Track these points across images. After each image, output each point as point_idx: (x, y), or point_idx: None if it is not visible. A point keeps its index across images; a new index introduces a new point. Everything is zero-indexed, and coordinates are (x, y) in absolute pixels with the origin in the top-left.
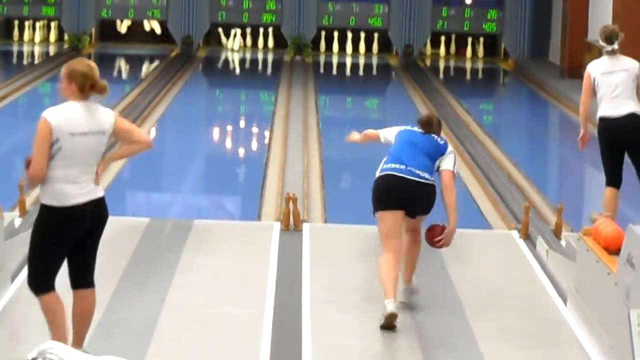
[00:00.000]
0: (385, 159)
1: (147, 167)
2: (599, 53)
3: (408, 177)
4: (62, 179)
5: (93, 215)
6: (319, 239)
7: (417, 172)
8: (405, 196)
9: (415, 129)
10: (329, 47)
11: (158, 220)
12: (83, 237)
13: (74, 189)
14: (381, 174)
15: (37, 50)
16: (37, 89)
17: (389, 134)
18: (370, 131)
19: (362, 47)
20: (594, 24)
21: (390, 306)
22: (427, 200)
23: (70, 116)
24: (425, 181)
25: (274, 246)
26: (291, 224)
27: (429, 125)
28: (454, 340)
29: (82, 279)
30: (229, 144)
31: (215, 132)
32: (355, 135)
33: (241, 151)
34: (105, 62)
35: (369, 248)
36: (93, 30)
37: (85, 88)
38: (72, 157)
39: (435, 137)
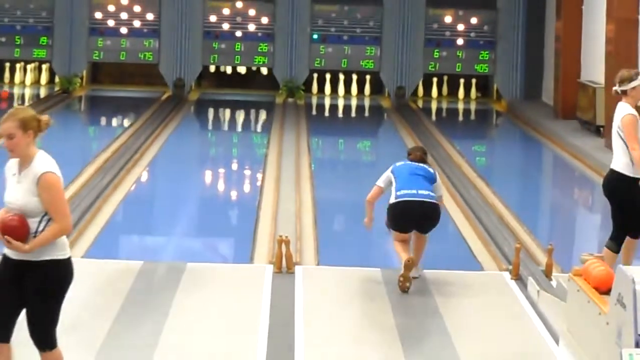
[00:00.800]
0: (393, 188)
1: (140, 210)
2: (592, 93)
3: (420, 199)
4: None
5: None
6: (312, 281)
7: (426, 194)
8: (419, 218)
9: (408, 162)
10: (321, 89)
11: (151, 263)
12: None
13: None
14: (397, 200)
15: (27, 92)
16: None
17: (385, 178)
18: (370, 197)
19: (354, 89)
20: (586, 64)
21: (405, 255)
22: (436, 219)
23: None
24: (433, 202)
25: (267, 289)
26: (284, 267)
27: (422, 157)
28: None
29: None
30: (221, 186)
31: (208, 175)
32: (368, 217)
33: (234, 193)
34: (97, 104)
35: (362, 290)
36: (84, 72)
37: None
38: None
39: (426, 166)
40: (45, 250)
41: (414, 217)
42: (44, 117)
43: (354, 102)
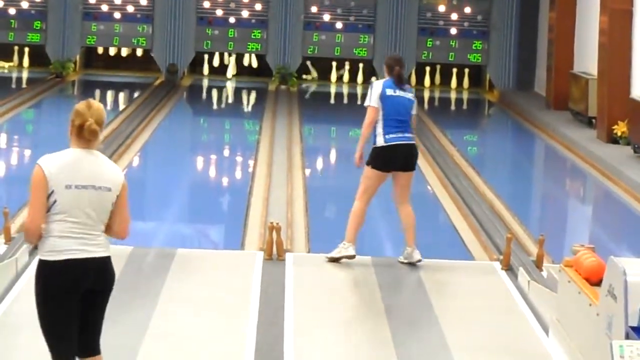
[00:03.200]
0: (380, 128)
1: (131, 195)
2: (585, 85)
3: (407, 142)
4: (57, 233)
5: (94, 275)
6: (302, 269)
7: (410, 136)
8: (405, 159)
9: (392, 91)
10: (313, 76)
11: (141, 249)
12: (85, 299)
13: (70, 244)
14: (388, 144)
15: (22, 76)
16: (20, 115)
17: (376, 99)
18: (370, 120)
19: (346, 76)
20: (579, 55)
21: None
22: (416, 157)
23: (66, 166)
24: (414, 142)
25: (257, 275)
26: (274, 254)
27: (401, 74)
28: None
29: (87, 345)
30: (212, 172)
31: (199, 161)
32: (359, 150)
33: (225, 180)
34: (90, 89)
35: (352, 278)
36: (78, 57)
37: (81, 132)
38: (69, 212)
39: (409, 94)
40: (39, 250)
41: (401, 159)
42: (90, 124)
43: (346, 90)
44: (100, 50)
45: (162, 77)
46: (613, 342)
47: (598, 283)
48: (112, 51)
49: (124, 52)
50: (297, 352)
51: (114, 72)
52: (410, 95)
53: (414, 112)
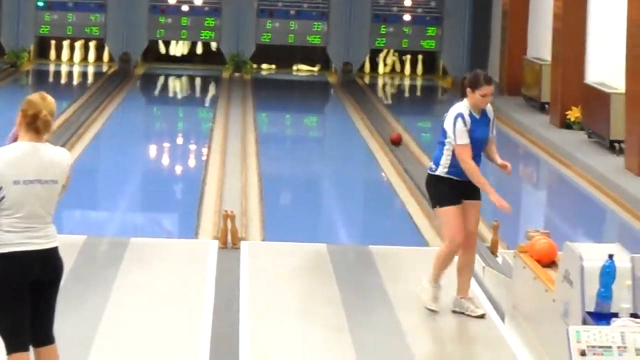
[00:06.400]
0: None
1: (84, 184)
2: (538, 70)
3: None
4: (6, 227)
5: (40, 266)
6: (257, 257)
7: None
8: None
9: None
10: (268, 64)
11: (95, 238)
12: (35, 290)
13: (13, 237)
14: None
15: None
16: None
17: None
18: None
19: (301, 64)
20: (533, 40)
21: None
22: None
23: (14, 161)
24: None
25: (212, 264)
26: (229, 242)
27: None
28: (392, 358)
29: (40, 335)
30: (166, 161)
31: (153, 149)
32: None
33: (179, 168)
34: (44, 78)
35: (307, 265)
36: (32, 47)
37: (34, 123)
38: (16, 207)
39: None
40: None
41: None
42: (44, 116)
43: (301, 78)
44: (53, 40)
45: (115, 66)
46: (570, 327)
47: (549, 265)
48: (67, 41)
49: (78, 41)
50: (252, 339)
51: (68, 61)
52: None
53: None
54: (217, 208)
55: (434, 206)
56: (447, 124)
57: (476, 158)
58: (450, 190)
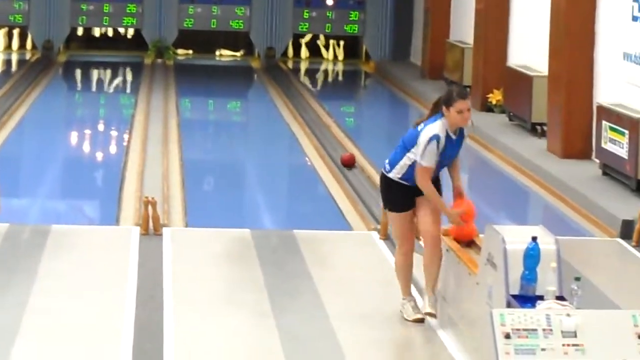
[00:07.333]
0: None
1: (5, 171)
2: (460, 53)
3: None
4: None
5: None
6: (180, 243)
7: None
8: None
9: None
10: (190, 49)
11: (16, 226)
12: None
13: None
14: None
15: None
16: None
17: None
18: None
19: (223, 49)
20: (456, 23)
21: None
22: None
23: None
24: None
25: (134, 250)
26: (150, 228)
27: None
28: (316, 343)
29: None
30: (87, 147)
31: (74, 136)
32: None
33: (99, 155)
34: None
35: (231, 251)
36: None
37: None
38: None
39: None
40: None
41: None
42: None
43: (224, 63)
44: None
45: (38, 53)
46: (494, 310)
47: (468, 245)
48: None
49: (2, 29)
50: (176, 325)
51: None
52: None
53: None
54: (138, 194)
55: (384, 207)
56: (421, 139)
57: (437, 171)
58: (403, 196)
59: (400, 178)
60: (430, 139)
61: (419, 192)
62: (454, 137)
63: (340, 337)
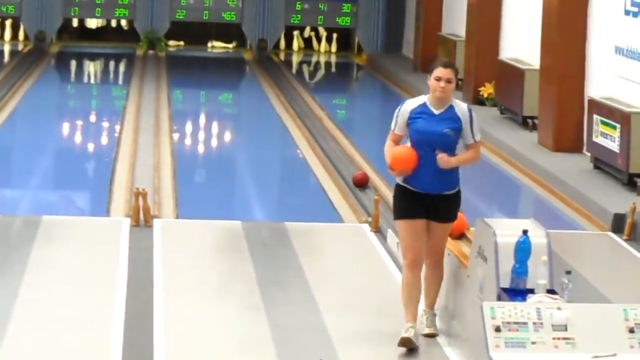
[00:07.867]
0: None
1: None
2: (453, 47)
3: None
4: None
5: None
6: (171, 235)
7: None
8: None
9: None
10: (182, 41)
11: (7, 217)
12: None
13: None
14: None
15: None
16: None
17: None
18: None
19: (215, 41)
20: (448, 17)
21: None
22: None
23: None
24: None
25: (124, 242)
26: (141, 220)
27: None
28: (306, 335)
29: None
30: (78, 138)
31: (66, 127)
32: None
33: (91, 146)
34: None
35: (222, 243)
36: None
37: None
38: None
39: None
40: None
41: None
42: None
43: (216, 55)
44: None
45: (30, 44)
46: (484, 303)
47: (459, 237)
48: None
49: None
50: (167, 317)
51: None
52: None
53: None
54: (129, 185)
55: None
56: None
57: (425, 156)
58: (406, 203)
59: (402, 181)
60: (401, 104)
61: (429, 202)
62: (435, 111)
63: (331, 329)
